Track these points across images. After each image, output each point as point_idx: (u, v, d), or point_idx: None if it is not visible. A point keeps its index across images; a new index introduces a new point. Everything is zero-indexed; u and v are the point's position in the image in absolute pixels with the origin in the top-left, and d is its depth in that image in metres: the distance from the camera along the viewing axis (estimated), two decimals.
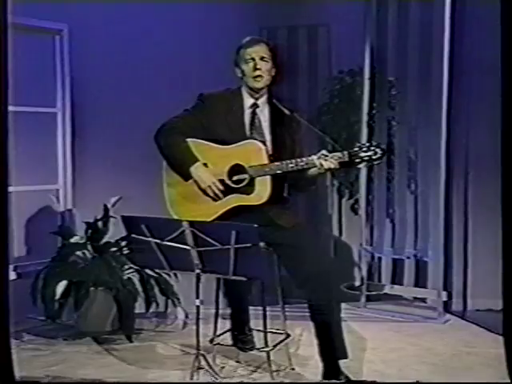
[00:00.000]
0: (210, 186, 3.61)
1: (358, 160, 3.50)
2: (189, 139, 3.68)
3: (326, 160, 3.49)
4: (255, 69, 3.64)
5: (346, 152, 3.49)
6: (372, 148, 3.50)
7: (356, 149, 3.51)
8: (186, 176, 3.66)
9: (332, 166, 3.49)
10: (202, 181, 3.63)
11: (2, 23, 3.25)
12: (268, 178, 3.57)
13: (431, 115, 5.16)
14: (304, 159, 3.52)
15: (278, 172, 3.55)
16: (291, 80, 5.69)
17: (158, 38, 5.26)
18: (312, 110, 5.75)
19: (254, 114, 3.73)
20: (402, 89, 5.36)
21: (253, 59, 3.64)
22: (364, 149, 3.50)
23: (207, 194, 3.65)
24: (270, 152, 3.63)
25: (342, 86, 5.76)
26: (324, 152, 3.52)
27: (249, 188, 3.61)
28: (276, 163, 3.55)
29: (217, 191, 3.61)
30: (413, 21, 5.23)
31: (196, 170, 3.63)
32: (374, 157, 3.49)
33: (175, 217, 3.68)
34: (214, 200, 3.66)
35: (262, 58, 3.64)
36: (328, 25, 5.80)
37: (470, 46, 5.11)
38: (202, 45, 5.38)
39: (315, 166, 3.51)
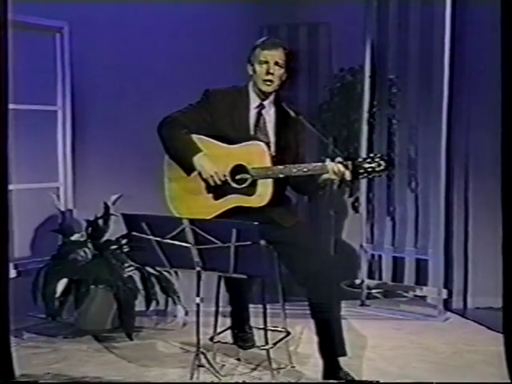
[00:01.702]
0: (212, 176, 3.60)
1: (361, 171, 3.48)
2: (192, 135, 3.67)
3: (336, 164, 3.47)
4: (268, 73, 3.61)
5: (349, 162, 3.48)
6: (376, 159, 3.49)
7: (360, 160, 3.50)
8: (189, 167, 3.64)
9: (342, 169, 3.46)
10: (205, 170, 3.60)
11: (3, 21, 3.25)
12: (270, 180, 3.57)
13: (432, 113, 5.16)
14: (307, 165, 3.52)
15: (281, 176, 3.55)
16: (292, 78, 5.68)
17: (159, 36, 5.26)
18: (312, 107, 5.75)
19: (259, 114, 3.71)
20: (402, 87, 5.37)
21: (267, 62, 3.61)
22: (368, 160, 3.49)
23: (209, 188, 3.65)
24: (273, 153, 3.63)
25: (343, 83, 5.75)
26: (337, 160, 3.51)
27: (250, 189, 3.60)
28: (279, 167, 3.54)
29: (218, 182, 3.60)
30: (413, 19, 5.24)
31: (199, 159, 3.61)
32: (377, 168, 3.48)
33: (174, 212, 3.68)
34: (215, 198, 3.66)
35: (276, 63, 3.61)
36: (328, 23, 5.80)
37: (470, 45, 5.11)
38: (202, 43, 5.38)
39: (317, 173, 3.50)
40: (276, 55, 3.62)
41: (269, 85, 3.63)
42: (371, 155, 3.52)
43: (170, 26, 5.31)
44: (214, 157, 3.62)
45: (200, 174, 3.64)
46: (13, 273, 4.66)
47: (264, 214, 3.59)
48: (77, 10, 4.90)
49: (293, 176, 3.54)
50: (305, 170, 3.51)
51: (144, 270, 4.55)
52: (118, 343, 4.47)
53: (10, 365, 3.41)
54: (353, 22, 5.44)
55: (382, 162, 3.48)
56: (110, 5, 4.99)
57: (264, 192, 3.58)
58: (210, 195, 3.66)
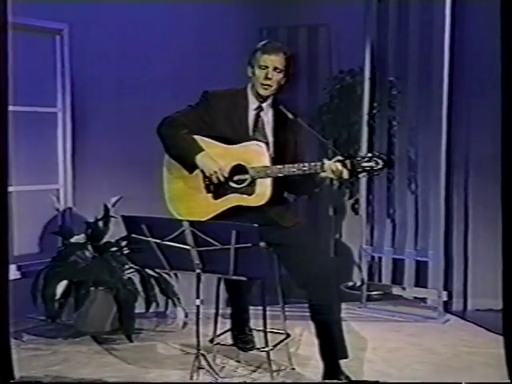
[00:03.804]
0: (216, 172, 3.59)
1: (359, 169, 3.49)
2: (193, 135, 3.68)
3: (335, 163, 3.48)
4: (266, 78, 3.61)
5: (348, 161, 3.49)
6: (374, 158, 3.49)
7: (358, 158, 3.50)
8: (190, 166, 3.65)
9: (340, 168, 3.47)
10: (208, 167, 3.60)
11: (2, 23, 3.25)
12: (269, 180, 3.57)
13: (431, 115, 5.16)
14: (306, 164, 3.52)
15: (280, 175, 3.55)
16: (291, 80, 5.68)
17: (159, 37, 5.26)
18: (312, 109, 5.75)
19: (257, 116, 3.72)
20: (402, 89, 5.37)
21: (266, 67, 3.61)
22: (366, 159, 3.49)
23: (209, 188, 3.65)
24: (272, 155, 3.63)
25: (343, 85, 5.75)
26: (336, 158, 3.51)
27: (249, 188, 3.61)
28: (278, 166, 3.55)
29: (222, 178, 3.60)
30: (413, 20, 5.24)
31: (202, 157, 3.61)
32: (375, 167, 3.49)
33: (174, 213, 3.68)
34: (214, 198, 3.66)
35: (275, 68, 3.61)
36: (328, 25, 5.80)
37: (470, 46, 5.11)
38: (202, 45, 5.38)
39: (317, 172, 3.50)
40: (276, 60, 3.61)
41: (266, 89, 3.64)
42: (369, 154, 3.53)
43: (170, 28, 5.30)
44: (214, 156, 3.63)
45: (202, 172, 3.64)
46: (17, 274, 4.68)
47: (263, 214, 3.59)
48: (76, 11, 4.90)
49: (291, 175, 3.55)
50: (304, 168, 3.52)
51: (144, 271, 4.55)
52: (118, 345, 4.47)
53: (9, 367, 3.41)
54: (352, 23, 5.44)
55: (379, 161, 3.49)
56: (110, 6, 4.98)
57: (263, 191, 3.58)
58: (210, 195, 3.67)
